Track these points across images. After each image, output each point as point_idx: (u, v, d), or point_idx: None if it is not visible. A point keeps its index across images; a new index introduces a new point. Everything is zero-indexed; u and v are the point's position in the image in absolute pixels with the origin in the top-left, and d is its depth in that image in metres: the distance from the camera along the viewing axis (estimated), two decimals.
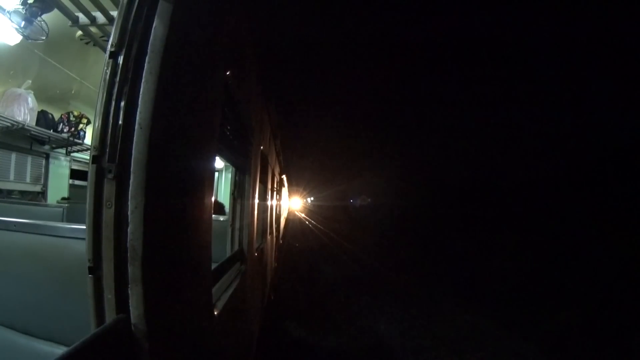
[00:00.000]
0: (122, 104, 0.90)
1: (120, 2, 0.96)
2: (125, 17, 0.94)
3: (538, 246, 12.82)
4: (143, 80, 0.91)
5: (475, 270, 10.55)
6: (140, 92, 0.91)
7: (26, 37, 2.82)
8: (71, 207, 3.76)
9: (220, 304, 1.76)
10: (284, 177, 13.06)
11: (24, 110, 4.34)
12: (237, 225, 2.75)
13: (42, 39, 2.91)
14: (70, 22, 2.72)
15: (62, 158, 5.55)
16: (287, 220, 21.31)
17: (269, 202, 5.46)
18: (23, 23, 2.68)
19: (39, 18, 2.76)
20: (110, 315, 0.87)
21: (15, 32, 2.77)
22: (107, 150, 0.88)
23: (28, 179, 4.92)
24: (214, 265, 1.70)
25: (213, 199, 1.59)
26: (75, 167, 5.87)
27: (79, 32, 3.27)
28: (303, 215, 39.64)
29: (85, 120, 5.39)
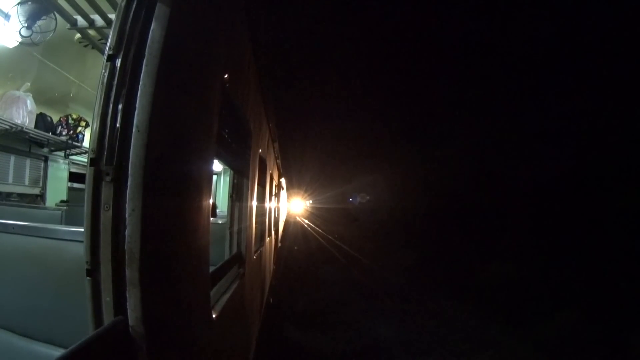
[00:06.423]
0: (120, 106, 0.90)
1: (118, 5, 0.96)
2: (123, 20, 0.94)
3: (538, 248, 12.83)
4: (141, 83, 0.92)
5: (476, 272, 10.54)
6: (138, 95, 0.91)
7: (24, 41, 2.82)
8: (70, 210, 3.76)
9: (219, 306, 1.75)
10: (282, 180, 13.04)
11: (23, 113, 4.33)
12: (236, 228, 2.75)
13: (40, 44, 2.91)
14: (68, 24, 2.72)
15: (61, 161, 5.54)
16: (286, 223, 21.28)
17: (267, 205, 5.45)
18: (25, 23, 2.69)
19: (38, 22, 2.76)
20: (108, 318, 0.87)
21: (14, 34, 2.77)
22: (105, 152, 0.88)
23: (27, 182, 4.91)
24: (212, 268, 1.69)
25: (211, 201, 1.59)
26: (73, 169, 5.86)
27: (78, 35, 3.27)
28: (302, 217, 39.57)
29: (83, 123, 5.39)
